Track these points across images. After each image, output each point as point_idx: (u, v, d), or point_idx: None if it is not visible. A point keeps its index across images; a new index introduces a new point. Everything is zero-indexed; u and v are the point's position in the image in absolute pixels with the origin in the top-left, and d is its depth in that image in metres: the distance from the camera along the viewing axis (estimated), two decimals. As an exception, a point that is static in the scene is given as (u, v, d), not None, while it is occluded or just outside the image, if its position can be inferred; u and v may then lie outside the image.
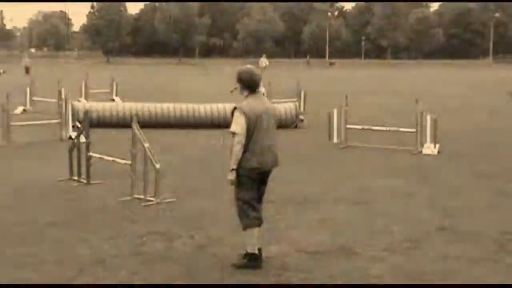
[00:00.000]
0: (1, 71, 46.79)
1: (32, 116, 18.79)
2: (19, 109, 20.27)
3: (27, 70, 48.81)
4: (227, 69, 58.60)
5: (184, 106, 17.65)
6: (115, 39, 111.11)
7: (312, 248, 6.77)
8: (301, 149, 13.87)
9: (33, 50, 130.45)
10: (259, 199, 6.26)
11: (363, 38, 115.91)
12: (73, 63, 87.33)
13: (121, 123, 15.83)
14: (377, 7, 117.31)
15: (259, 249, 6.18)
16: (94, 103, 18.12)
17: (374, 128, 14.80)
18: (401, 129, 14.34)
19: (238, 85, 6.20)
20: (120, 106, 17.75)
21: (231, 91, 18.97)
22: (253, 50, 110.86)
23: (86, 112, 10.02)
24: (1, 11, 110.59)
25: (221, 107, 17.33)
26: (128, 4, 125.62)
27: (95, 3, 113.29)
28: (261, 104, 6.17)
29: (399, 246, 6.89)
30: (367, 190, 9.70)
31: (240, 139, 5.97)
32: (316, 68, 78.66)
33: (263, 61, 59.40)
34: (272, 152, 6.17)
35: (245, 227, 6.15)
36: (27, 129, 15.15)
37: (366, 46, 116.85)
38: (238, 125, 5.98)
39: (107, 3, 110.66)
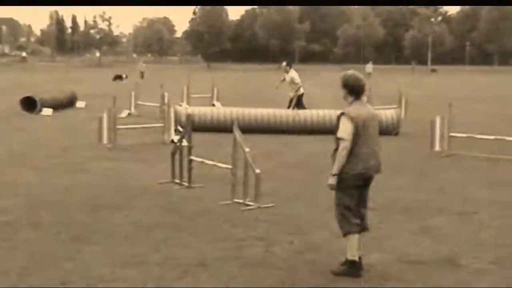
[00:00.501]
0: (124, 75, 48.92)
1: (136, 119, 19.38)
2: (125, 113, 20.92)
3: (142, 75, 51.51)
4: (325, 75, 58.41)
5: (284, 112, 17.71)
6: (215, 45, 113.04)
7: (414, 257, 6.61)
8: (403, 156, 13.60)
9: (134, 55, 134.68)
10: (363, 205, 6.18)
11: (468, 43, 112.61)
12: (175, 69, 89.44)
13: (222, 127, 16.05)
14: (483, 11, 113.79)
15: (360, 257, 6.10)
16: (195, 107, 18.46)
17: (478, 136, 14.33)
18: (508, 138, 13.81)
19: (342, 91, 6.15)
20: (220, 110, 18.00)
21: (276, 87, 18.68)
22: (353, 55, 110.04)
23: (189, 116, 10.19)
24: (110, 17, 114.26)
25: (321, 113, 17.28)
26: (229, 10, 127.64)
27: (196, 9, 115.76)
28: (366, 110, 6.11)
29: (508, 259, 6.61)
30: (471, 201, 9.39)
31: (346, 145, 5.93)
32: (418, 75, 77.14)
33: (369, 67, 58.82)
34: (376, 158, 6.10)
35: (346, 234, 6.09)
36: (131, 132, 15.63)
37: (470, 51, 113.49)
38: (345, 130, 5.95)
39: (209, 10, 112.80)
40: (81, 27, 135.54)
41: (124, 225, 7.77)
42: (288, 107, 18.49)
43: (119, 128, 14.65)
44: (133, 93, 22.42)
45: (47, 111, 21.49)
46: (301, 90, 18.83)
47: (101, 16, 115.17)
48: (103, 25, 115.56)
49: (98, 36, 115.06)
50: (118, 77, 48.61)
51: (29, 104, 21.63)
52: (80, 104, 25.08)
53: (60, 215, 8.16)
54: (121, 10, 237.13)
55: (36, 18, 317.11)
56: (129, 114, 21.44)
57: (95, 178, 10.74)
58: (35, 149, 13.97)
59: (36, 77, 53.48)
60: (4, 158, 12.66)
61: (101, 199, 9.19)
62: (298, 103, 18.68)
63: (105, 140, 14.41)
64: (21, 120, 19.60)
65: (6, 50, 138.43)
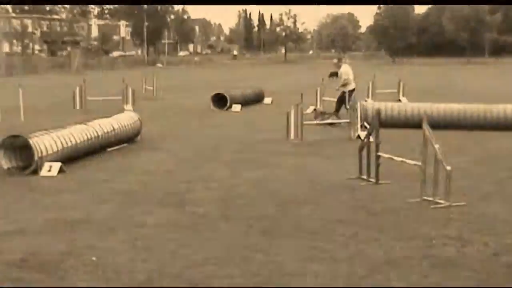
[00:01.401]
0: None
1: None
2: (310, 109, 21.15)
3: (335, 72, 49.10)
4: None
5: (474, 106, 16.97)
6: (401, 39, 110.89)
7: None
8: None
9: (311, 52, 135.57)
10: None
11: None
12: (359, 64, 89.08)
13: (409, 123, 15.73)
14: None
15: None
16: (382, 103, 18.22)
17: None
18: None
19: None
20: (408, 106, 17.63)
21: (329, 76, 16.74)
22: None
23: (378, 112, 10.06)
24: (295, 15, 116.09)
25: (515, 108, 16.36)
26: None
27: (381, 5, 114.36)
28: None
29: None
30: None
31: None
32: None
33: None
34: None
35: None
36: (318, 128, 15.77)
37: None
38: None
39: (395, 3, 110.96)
40: (268, 25, 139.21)
41: (312, 220, 7.84)
42: (345, 104, 17.80)
43: (305, 124, 14.83)
44: (318, 89, 22.59)
45: (236, 107, 22.32)
46: (351, 86, 18.17)
47: (287, 14, 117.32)
48: (288, 22, 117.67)
49: (283, 34, 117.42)
50: (334, 74, 47.33)
51: (220, 100, 22.58)
52: (267, 100, 25.75)
53: (251, 208, 8.41)
54: (306, 7, 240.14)
55: (226, 18, 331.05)
56: (314, 110, 21.65)
57: (283, 173, 10.96)
58: (226, 144, 14.53)
59: (225, 74, 55.68)
60: (197, 153, 13.30)
61: (289, 193, 9.35)
62: (343, 99, 18.10)
63: (292, 135, 14.66)
64: (212, 116, 20.50)
65: (198, 49, 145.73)
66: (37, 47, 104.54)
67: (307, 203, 8.73)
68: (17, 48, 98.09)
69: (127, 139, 14.18)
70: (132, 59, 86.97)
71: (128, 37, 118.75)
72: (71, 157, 11.75)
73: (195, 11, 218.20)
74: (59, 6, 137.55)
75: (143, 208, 8.49)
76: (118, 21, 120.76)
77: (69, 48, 73.78)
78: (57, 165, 10.87)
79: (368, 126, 14.08)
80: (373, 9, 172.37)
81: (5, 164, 11.06)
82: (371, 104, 17.57)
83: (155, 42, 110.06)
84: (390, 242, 6.87)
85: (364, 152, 10.25)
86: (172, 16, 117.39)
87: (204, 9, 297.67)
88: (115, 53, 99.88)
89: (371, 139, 10.16)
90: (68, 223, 7.76)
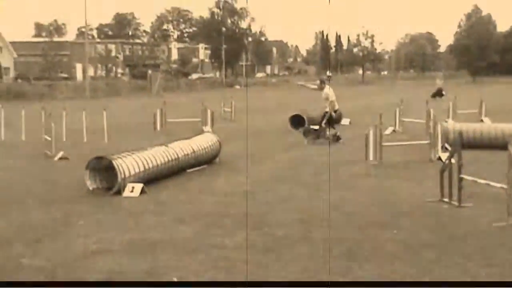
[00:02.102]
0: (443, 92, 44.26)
1: (401, 136, 19.24)
2: (389, 130, 20.90)
3: (439, 92, 44.96)
4: None
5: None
6: (482, 58, 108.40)
7: None
8: None
9: (384, 72, 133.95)
10: None
11: None
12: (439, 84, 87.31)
13: (492, 144, 15.32)
14: None
15: None
16: (463, 123, 17.83)
17: None
18: None
19: None
20: (490, 127, 17.18)
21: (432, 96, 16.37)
22: None
23: (460, 133, 9.86)
24: (372, 35, 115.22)
25: None
26: (498, 21, 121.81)
27: (461, 23, 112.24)
28: None
29: None
30: None
31: None
32: None
33: None
34: None
35: None
36: (397, 149, 15.54)
37: None
38: None
39: (477, 22, 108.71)
40: (345, 45, 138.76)
41: (393, 243, 7.71)
42: (320, 123, 18.97)
43: (384, 145, 14.66)
44: (397, 110, 22.32)
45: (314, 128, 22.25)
46: (336, 107, 19.14)
47: (364, 34, 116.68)
48: (366, 43, 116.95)
49: (361, 54, 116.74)
50: (438, 94, 44.13)
51: (298, 121, 22.60)
52: (345, 121, 25.58)
53: (332, 231, 8.34)
54: (384, 27, 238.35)
55: (303, 39, 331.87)
56: (393, 131, 21.39)
57: (362, 195, 10.85)
58: (304, 165, 14.51)
59: (303, 95, 55.67)
60: (276, 174, 13.32)
61: (369, 216, 9.24)
62: (331, 120, 19.01)
63: (371, 157, 14.50)
64: (290, 137, 20.52)
65: (276, 70, 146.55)
66: (119, 70, 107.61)
67: (387, 226, 8.60)
68: (101, 72, 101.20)
69: (206, 160, 14.36)
70: (210, 81, 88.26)
71: (207, 60, 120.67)
72: (152, 179, 11.99)
73: (272, 33, 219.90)
74: (141, 30, 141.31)
75: (223, 229, 8.56)
76: (197, 44, 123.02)
77: (150, 71, 75.50)
78: (139, 186, 11.11)
79: (449, 148, 13.81)
80: (452, 28, 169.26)
81: (91, 185, 11.39)
82: (452, 125, 17.21)
83: (233, 64, 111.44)
84: (475, 268, 6.68)
85: (446, 174, 10.03)
86: (250, 39, 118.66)
87: (281, 31, 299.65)
88: (194, 76, 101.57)
89: (453, 160, 9.94)
90: (150, 243, 7.90)
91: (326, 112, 18.95)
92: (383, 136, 15.10)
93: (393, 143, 16.02)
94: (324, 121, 18.88)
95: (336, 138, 18.62)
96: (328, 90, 19.21)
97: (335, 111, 19.31)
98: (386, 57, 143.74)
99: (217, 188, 11.83)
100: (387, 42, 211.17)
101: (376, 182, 12.12)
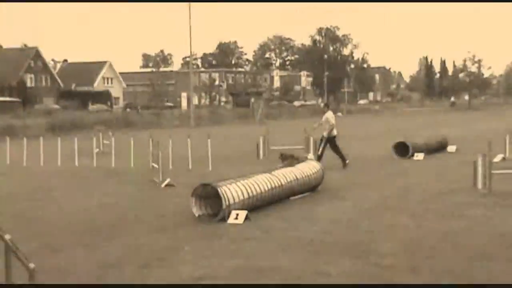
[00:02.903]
0: None
1: (511, 164, 18.52)
2: (499, 157, 20.18)
3: None
4: None
5: None
6: None
7: None
8: None
9: (482, 97, 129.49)
10: None
11: None
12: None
13: None
14: None
15: None
16: None
17: None
18: None
19: None
20: None
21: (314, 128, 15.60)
22: None
23: None
24: (480, 60, 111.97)
25: None
26: None
27: None
28: None
29: None
30: None
31: None
32: None
33: None
34: None
35: None
36: (507, 178, 14.98)
37: None
38: None
39: None
40: (450, 71, 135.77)
41: (506, 277, 7.41)
42: (318, 148, 19.68)
43: (494, 173, 14.15)
44: (507, 136, 21.54)
45: (418, 156, 21.83)
46: (334, 132, 19.52)
47: (471, 59, 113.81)
48: (473, 68, 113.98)
49: (467, 80, 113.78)
50: None
51: (402, 149, 22.22)
52: (451, 148, 24.94)
53: (438, 261, 8.13)
54: (492, 51, 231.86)
55: (406, 65, 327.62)
56: (503, 158, 20.64)
57: (471, 225, 10.50)
58: (409, 193, 14.23)
59: (406, 122, 54.80)
60: (380, 202, 13.12)
61: (478, 247, 8.93)
62: (331, 144, 19.56)
63: (479, 185, 14.04)
64: (394, 165, 20.19)
65: (378, 97, 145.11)
66: (223, 98, 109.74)
67: (498, 258, 8.28)
68: (205, 100, 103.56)
69: (309, 188, 14.35)
70: (312, 108, 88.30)
71: (309, 87, 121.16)
72: (255, 206, 12.08)
73: (375, 60, 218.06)
74: (244, 59, 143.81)
75: (327, 257, 8.49)
76: (299, 72, 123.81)
77: (252, 99, 76.56)
78: (243, 213, 11.22)
79: None
80: None
81: (196, 212, 11.61)
82: None
83: (335, 91, 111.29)
84: None
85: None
86: (352, 66, 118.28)
87: (384, 57, 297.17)
88: (296, 103, 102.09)
89: None
90: (255, 270, 7.95)
91: (332, 137, 19.59)
92: (492, 164, 14.59)
93: (503, 171, 15.45)
94: (322, 146, 19.64)
95: (318, 157, 19.06)
96: (329, 114, 19.78)
97: (334, 136, 19.69)
98: (494, 82, 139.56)
99: (320, 215, 11.78)
100: (495, 67, 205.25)
101: (486, 212, 11.71)
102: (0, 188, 15.74)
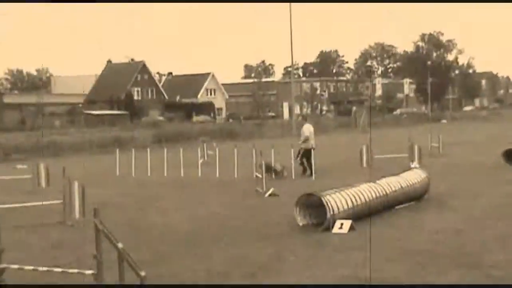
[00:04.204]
0: None
1: None
2: None
3: None
4: None
5: None
6: None
7: None
8: None
9: None
10: None
11: None
12: None
13: None
14: None
15: None
16: None
17: None
18: None
19: None
20: None
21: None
22: None
23: None
24: None
25: None
26: None
27: None
28: None
29: None
30: None
31: None
32: None
33: None
34: None
35: None
36: None
37: None
38: None
39: None
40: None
41: None
42: (297, 157, 20.17)
43: None
44: None
45: (531, 163, 20.94)
46: (310, 145, 20.03)
47: None
48: None
49: None
50: None
51: (512, 156, 21.41)
52: None
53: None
54: None
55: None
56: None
57: None
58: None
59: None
60: (490, 211, 12.67)
61: None
62: (305, 155, 20.03)
63: None
64: (504, 173, 19.45)
65: (485, 103, 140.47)
66: (324, 107, 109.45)
67: None
68: (307, 110, 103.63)
69: (415, 197, 14.05)
70: (415, 116, 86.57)
71: (412, 94, 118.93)
72: (360, 215, 11.94)
73: (481, 65, 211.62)
74: (345, 67, 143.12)
75: (436, 268, 8.28)
76: (401, 79, 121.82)
77: (354, 108, 75.93)
78: (348, 223, 11.12)
79: None
80: None
81: (300, 221, 11.61)
82: None
83: (439, 97, 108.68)
84: None
85: None
86: (457, 71, 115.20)
87: (491, 62, 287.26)
88: (399, 111, 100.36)
89: None
90: (360, 280, 7.85)
91: (307, 149, 20.14)
92: None
93: None
94: (299, 157, 20.23)
95: (280, 173, 19.86)
96: (305, 127, 20.64)
97: (311, 149, 20.10)
98: None
99: (427, 225, 11.51)
100: None
101: None
102: (110, 198, 16.32)
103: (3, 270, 6.72)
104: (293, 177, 19.47)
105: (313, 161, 19.87)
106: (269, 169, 18.95)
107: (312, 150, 20.10)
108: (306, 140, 20.31)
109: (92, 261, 6.41)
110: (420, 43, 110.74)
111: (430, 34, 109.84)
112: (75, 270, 6.91)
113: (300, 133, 20.94)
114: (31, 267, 7.10)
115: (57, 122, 77.07)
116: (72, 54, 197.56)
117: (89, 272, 6.48)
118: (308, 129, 20.61)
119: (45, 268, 6.99)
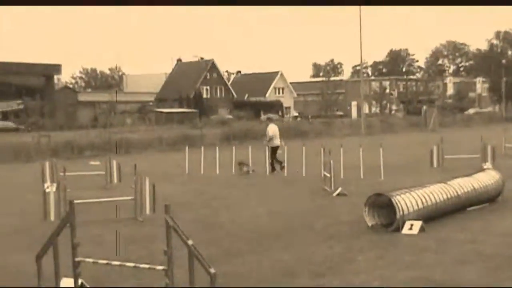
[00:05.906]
0: None
1: None
2: None
3: None
4: None
5: None
6: None
7: None
8: None
9: None
10: None
11: None
12: None
13: None
14: None
15: None
16: None
17: None
18: None
19: None
20: None
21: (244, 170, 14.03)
22: None
23: None
24: None
25: None
26: None
27: None
28: None
29: None
30: None
31: None
32: None
33: None
34: None
35: None
36: None
37: None
38: None
39: None
40: None
41: None
42: (270, 157, 21.85)
43: None
44: None
45: None
46: (274, 143, 21.86)
47: None
48: None
49: None
50: None
51: None
52: None
53: None
54: None
55: None
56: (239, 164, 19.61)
57: None
58: None
59: None
60: None
61: None
62: (272, 153, 21.88)
63: None
64: None
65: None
66: (394, 107, 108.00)
67: None
68: (376, 109, 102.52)
69: (488, 198, 13.71)
70: (488, 116, 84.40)
71: (485, 94, 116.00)
72: (431, 216, 11.74)
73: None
74: (415, 66, 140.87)
75: (510, 273, 8.05)
76: (474, 78, 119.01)
77: (424, 107, 74.61)
78: (418, 224, 10.95)
79: None
80: None
81: (369, 221, 11.50)
82: None
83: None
84: None
85: None
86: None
87: None
88: (471, 110, 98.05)
89: None
90: (430, 283, 7.72)
91: (273, 147, 21.90)
92: None
93: None
94: (270, 156, 21.82)
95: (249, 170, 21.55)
96: (269, 127, 22.33)
97: (276, 147, 21.94)
98: None
99: (501, 228, 11.21)
100: None
101: None
102: (180, 195, 16.54)
103: (78, 263, 6.90)
104: (362, 176, 19.29)
105: (383, 159, 19.63)
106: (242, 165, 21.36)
107: (277, 148, 21.93)
108: (271, 139, 22.01)
109: (163, 257, 6.51)
110: (495, 41, 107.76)
111: (506, 32, 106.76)
112: (146, 265, 7.03)
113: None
114: (105, 261, 7.26)
115: (128, 119, 78.66)
116: (144, 53, 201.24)
117: (160, 267, 6.58)
118: (271, 129, 22.19)
119: (117, 263, 7.14)
